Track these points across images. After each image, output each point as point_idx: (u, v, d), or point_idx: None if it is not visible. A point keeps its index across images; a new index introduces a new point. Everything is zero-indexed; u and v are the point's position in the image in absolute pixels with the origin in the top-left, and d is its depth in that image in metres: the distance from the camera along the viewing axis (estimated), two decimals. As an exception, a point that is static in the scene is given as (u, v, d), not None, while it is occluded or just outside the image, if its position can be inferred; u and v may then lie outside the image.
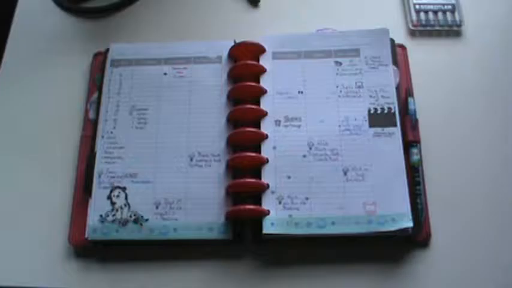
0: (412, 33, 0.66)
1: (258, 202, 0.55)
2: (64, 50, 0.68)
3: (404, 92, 0.60)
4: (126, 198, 0.56)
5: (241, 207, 0.54)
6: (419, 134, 0.58)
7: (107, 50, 0.64)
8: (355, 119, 0.58)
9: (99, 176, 0.58)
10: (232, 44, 0.62)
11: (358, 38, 0.62)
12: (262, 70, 0.61)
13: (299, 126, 0.58)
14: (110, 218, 0.56)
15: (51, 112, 0.64)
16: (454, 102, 0.61)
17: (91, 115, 0.62)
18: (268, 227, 0.53)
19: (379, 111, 0.58)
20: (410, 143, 0.57)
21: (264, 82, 0.60)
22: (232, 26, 0.68)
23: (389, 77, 0.60)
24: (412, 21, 0.66)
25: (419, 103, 0.59)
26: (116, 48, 0.64)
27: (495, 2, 0.67)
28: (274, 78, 0.60)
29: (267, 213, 0.54)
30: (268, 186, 0.55)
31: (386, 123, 0.57)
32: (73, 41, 0.69)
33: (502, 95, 0.62)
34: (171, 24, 0.69)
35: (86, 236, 0.55)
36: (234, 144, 0.58)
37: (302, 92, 0.60)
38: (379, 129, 0.57)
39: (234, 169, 0.57)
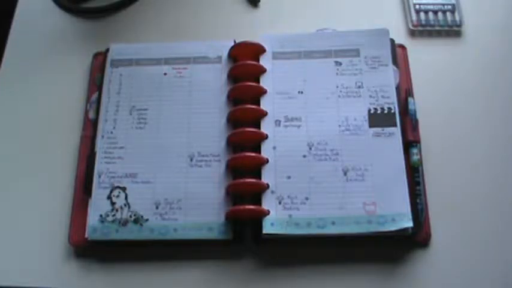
0: (412, 33, 0.66)
1: (258, 202, 0.55)
2: (64, 50, 0.68)
3: (404, 92, 0.60)
4: (126, 198, 0.56)
5: (241, 207, 0.54)
6: (419, 134, 0.58)
7: (107, 50, 0.64)
8: (355, 119, 0.58)
9: (99, 176, 0.58)
10: (232, 44, 0.62)
11: (358, 38, 0.62)
12: (262, 70, 0.61)
13: (299, 126, 0.58)
14: (110, 218, 0.56)
15: (51, 112, 0.64)
16: (454, 102, 0.61)
17: (91, 115, 0.62)
18: (268, 227, 0.53)
19: (379, 111, 0.58)
20: (410, 143, 0.57)
21: (264, 82, 0.60)
22: (232, 26, 0.68)
23: (389, 77, 0.60)
24: (412, 21, 0.66)
25: (419, 103, 0.59)
26: (116, 48, 0.64)
27: (495, 2, 0.67)
28: (274, 78, 0.60)
29: (267, 213, 0.54)
30: (268, 186, 0.55)
31: (386, 123, 0.57)
32: (73, 41, 0.69)
33: (502, 95, 0.62)
34: (171, 24, 0.69)
35: (86, 236, 0.55)
36: (234, 144, 0.58)
37: (302, 92, 0.60)
38: (379, 129, 0.57)
39: (234, 169, 0.57)
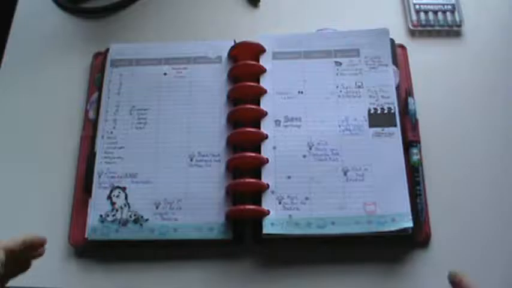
0: (412, 33, 0.66)
1: (258, 202, 0.55)
2: (64, 50, 0.68)
3: (404, 92, 0.60)
4: (126, 198, 0.56)
5: (242, 207, 0.54)
6: (419, 134, 0.58)
7: (107, 50, 0.64)
8: (355, 119, 0.58)
9: (99, 176, 0.58)
10: (232, 44, 0.62)
11: (358, 38, 0.62)
12: (262, 70, 0.61)
13: (299, 126, 0.58)
14: (110, 218, 0.56)
15: (51, 112, 0.64)
16: (454, 102, 0.61)
17: (91, 115, 0.62)
18: (268, 227, 0.53)
19: (379, 111, 0.58)
20: (410, 143, 0.57)
21: (264, 82, 0.60)
22: (232, 26, 0.68)
23: (389, 77, 0.60)
24: (412, 21, 0.66)
25: (419, 103, 0.59)
26: (116, 48, 0.64)
27: (495, 2, 0.67)
28: (274, 78, 0.60)
29: (267, 213, 0.54)
30: (268, 186, 0.55)
31: (386, 123, 0.57)
32: (73, 41, 0.69)
33: (501, 95, 0.62)
34: (171, 24, 0.69)
35: (86, 236, 0.55)
36: (234, 144, 0.58)
37: (302, 92, 0.60)
38: (379, 129, 0.57)
39: (234, 169, 0.57)
